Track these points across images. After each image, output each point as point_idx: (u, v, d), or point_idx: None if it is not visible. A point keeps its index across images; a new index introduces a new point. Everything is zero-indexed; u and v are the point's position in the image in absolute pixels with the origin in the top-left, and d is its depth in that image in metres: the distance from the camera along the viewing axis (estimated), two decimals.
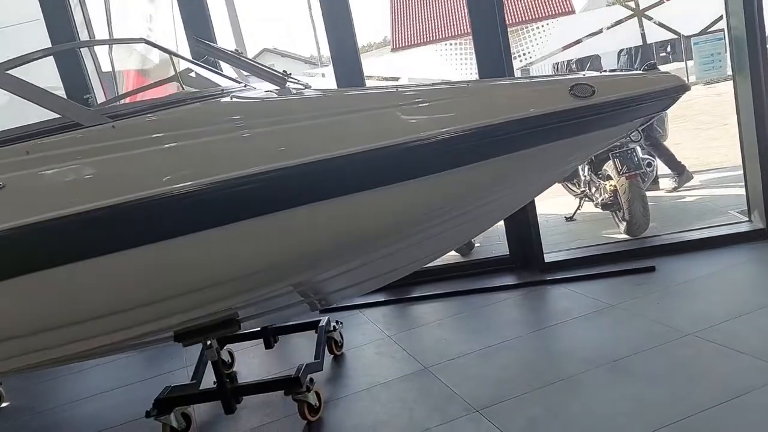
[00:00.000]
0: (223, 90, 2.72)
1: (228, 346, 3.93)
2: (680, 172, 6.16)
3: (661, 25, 4.74)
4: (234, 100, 2.63)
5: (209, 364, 3.18)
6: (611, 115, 2.71)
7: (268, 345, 3.85)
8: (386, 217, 2.64)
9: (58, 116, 2.48)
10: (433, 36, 23.40)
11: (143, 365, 4.35)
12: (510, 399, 2.93)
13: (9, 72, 2.46)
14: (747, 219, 4.65)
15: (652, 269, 4.22)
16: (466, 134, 2.48)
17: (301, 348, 4.07)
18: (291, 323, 3.89)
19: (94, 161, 2.36)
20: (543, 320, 3.90)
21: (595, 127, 2.74)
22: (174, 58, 2.94)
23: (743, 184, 4.62)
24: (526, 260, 4.70)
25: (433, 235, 3.03)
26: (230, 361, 3.91)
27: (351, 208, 2.51)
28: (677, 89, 2.88)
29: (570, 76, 2.76)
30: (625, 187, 4.88)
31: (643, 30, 4.85)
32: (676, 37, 5.04)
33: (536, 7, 24.70)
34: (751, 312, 3.31)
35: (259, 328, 3.83)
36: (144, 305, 2.66)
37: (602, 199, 5.20)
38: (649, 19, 4.74)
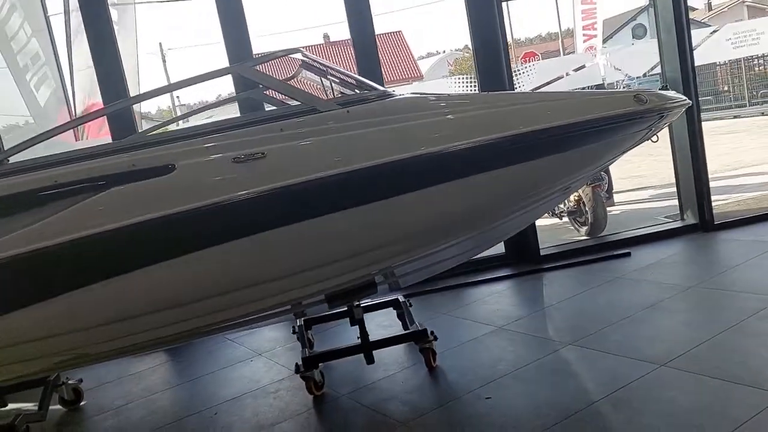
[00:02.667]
0: (391, 91, 3.45)
1: None
2: (610, 192, 7.58)
3: (615, 68, 6.13)
4: (416, 95, 3.40)
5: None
6: (658, 117, 3.77)
7: (353, 322, 4.45)
8: (504, 192, 3.44)
9: (299, 103, 3.10)
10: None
11: (174, 372, 4.76)
12: (586, 336, 3.85)
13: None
14: (680, 219, 6.02)
15: (628, 254, 5.40)
16: (576, 125, 3.37)
17: (379, 322, 4.69)
18: (372, 302, 4.52)
19: (332, 137, 3.00)
20: (562, 294, 4.88)
21: (645, 126, 3.78)
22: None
23: (656, 197, 5.97)
24: (521, 255, 5.69)
25: (515, 217, 3.91)
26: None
27: (495, 181, 3.30)
28: (686, 104, 4.05)
29: (629, 89, 3.83)
30: (590, 195, 6.09)
31: (602, 73, 6.21)
32: (625, 77, 6.43)
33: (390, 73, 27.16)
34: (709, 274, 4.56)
35: (346, 308, 4.44)
36: (316, 267, 3.24)
37: (567, 208, 6.38)
38: (610, 64, 6.13)
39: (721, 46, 5.69)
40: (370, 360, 3.76)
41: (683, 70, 5.56)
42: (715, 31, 5.76)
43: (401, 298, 4.51)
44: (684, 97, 4.02)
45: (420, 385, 3.66)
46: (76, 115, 7.66)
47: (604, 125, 3.43)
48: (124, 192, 2.82)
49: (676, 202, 6.44)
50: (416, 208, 3.17)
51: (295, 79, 3.88)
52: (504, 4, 5.47)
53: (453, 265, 4.42)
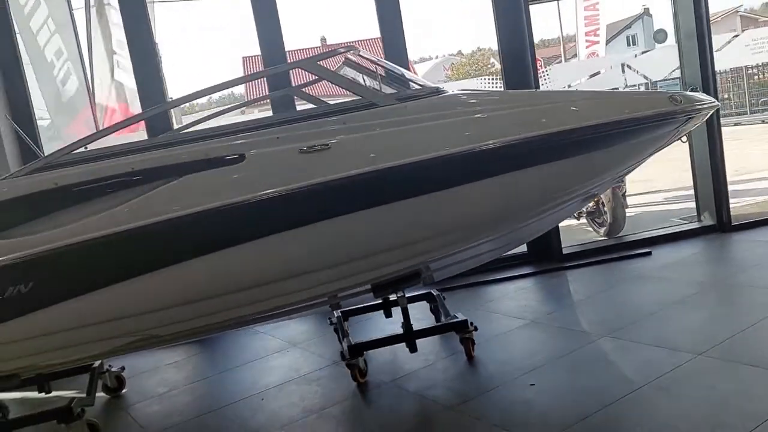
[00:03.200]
0: (442, 87, 3.59)
1: None
2: (624, 194, 7.73)
3: (637, 72, 6.30)
4: (466, 91, 3.55)
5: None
6: (688, 118, 3.93)
7: (388, 314, 4.58)
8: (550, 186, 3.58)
9: (359, 98, 3.24)
10: None
11: (211, 362, 4.88)
12: (619, 329, 3.99)
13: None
14: (697, 220, 6.19)
15: (649, 254, 5.56)
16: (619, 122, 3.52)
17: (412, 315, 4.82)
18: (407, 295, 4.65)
19: (391, 131, 3.15)
20: (589, 290, 5.03)
21: (676, 126, 3.93)
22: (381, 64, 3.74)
23: (669, 200, 6.14)
24: (542, 254, 5.84)
25: (554, 212, 4.05)
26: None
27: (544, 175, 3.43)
28: (715, 105, 4.21)
29: (665, 91, 3.99)
30: (609, 196, 6.25)
31: (624, 76, 6.38)
32: (647, 81, 6.60)
33: None
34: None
35: (380, 300, 4.57)
36: (370, 256, 3.38)
37: (587, 208, 6.53)
38: (629, 67, 6.31)
39: (742, 51, 5.87)
40: (413, 348, 3.89)
41: (704, 74, 5.73)
42: (736, 36, 5.93)
43: (435, 292, 4.64)
44: (712, 99, 4.19)
45: (462, 373, 3.80)
46: (96, 112, 7.76)
47: (644, 123, 3.58)
48: (198, 180, 2.95)
49: (688, 204, 6.61)
50: (467, 201, 3.31)
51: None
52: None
53: (485, 261, 4.55)
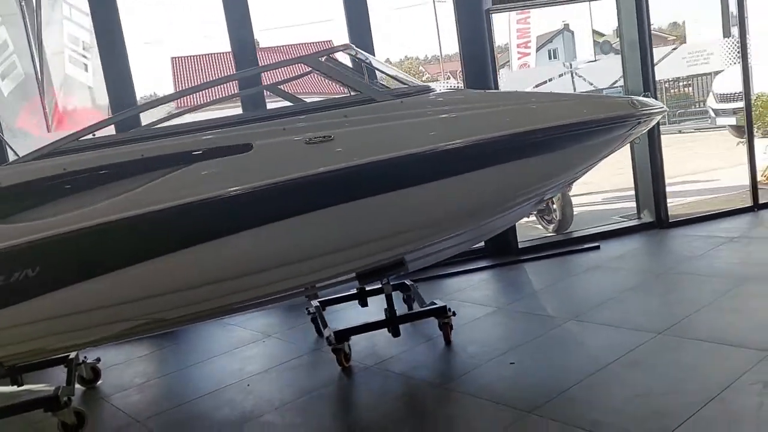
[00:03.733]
0: (432, 86, 3.82)
1: None
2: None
3: (584, 79, 6.73)
4: (454, 90, 3.77)
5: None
6: (645, 120, 4.30)
7: (364, 304, 4.75)
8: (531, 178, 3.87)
9: (357, 93, 3.41)
10: None
11: (185, 354, 4.95)
12: (582, 313, 4.32)
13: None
14: (637, 217, 6.67)
15: (598, 247, 5.96)
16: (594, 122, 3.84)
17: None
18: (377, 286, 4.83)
19: (386, 125, 3.34)
20: (548, 280, 5.37)
21: (632, 127, 4.29)
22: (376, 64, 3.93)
23: (607, 201, 6.60)
24: (500, 248, 6.15)
25: (522, 206, 4.34)
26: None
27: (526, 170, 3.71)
28: (665, 111, 4.61)
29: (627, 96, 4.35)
30: (558, 194, 6.63)
31: (573, 84, 6.79)
32: (594, 88, 7.04)
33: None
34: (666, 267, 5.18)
35: (355, 291, 4.74)
36: (364, 243, 3.56)
37: None
38: (578, 75, 6.72)
39: (678, 63, 6.39)
40: (396, 333, 4.08)
41: (645, 83, 6.20)
42: (675, 49, 6.44)
43: (408, 282, 4.85)
44: (662, 104, 4.60)
45: (443, 356, 4.03)
46: (46, 108, 7.55)
47: (609, 124, 3.92)
48: (206, 167, 3.05)
49: (624, 204, 7.09)
50: (455, 192, 3.54)
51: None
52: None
53: (455, 253, 4.80)
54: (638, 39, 6.17)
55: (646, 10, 6.10)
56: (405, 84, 3.71)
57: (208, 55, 27.12)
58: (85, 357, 4.33)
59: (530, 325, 4.32)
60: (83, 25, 7.84)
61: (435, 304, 4.27)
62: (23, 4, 7.44)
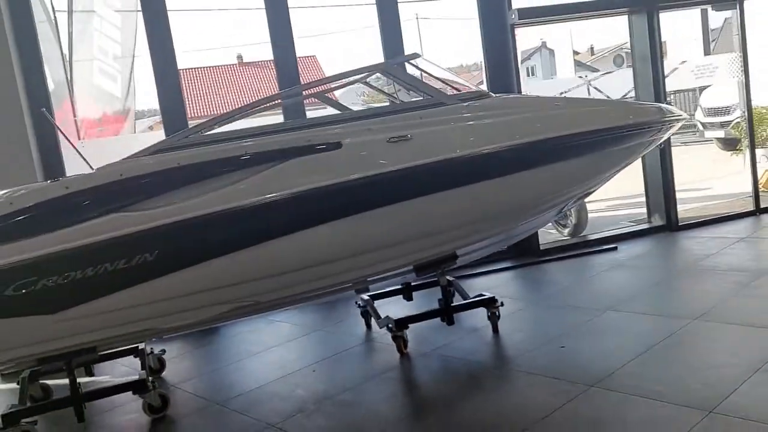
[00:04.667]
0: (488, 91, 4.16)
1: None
2: None
3: (600, 91, 7.15)
4: (509, 96, 4.13)
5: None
6: (671, 126, 4.67)
7: (409, 298, 5.05)
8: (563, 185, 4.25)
9: (429, 97, 3.75)
10: None
11: (239, 347, 5.22)
12: (618, 304, 4.67)
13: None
14: (648, 221, 7.07)
15: (615, 248, 6.35)
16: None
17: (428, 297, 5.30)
18: (423, 281, 5.13)
19: (457, 126, 3.68)
20: (577, 277, 5.73)
21: (662, 133, 4.66)
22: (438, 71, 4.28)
23: (615, 207, 6.99)
24: (522, 250, 6.49)
25: (556, 207, 4.69)
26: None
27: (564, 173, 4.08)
28: (685, 117, 5.01)
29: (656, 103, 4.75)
30: None
31: (589, 93, 7.20)
32: (608, 98, 7.46)
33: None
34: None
35: (400, 286, 5.04)
36: (421, 238, 3.89)
37: None
38: (595, 87, 7.14)
39: (686, 76, 6.84)
40: (450, 321, 4.39)
41: (657, 94, 6.62)
42: (684, 62, 6.91)
43: (449, 278, 5.16)
44: (683, 112, 5.00)
45: (494, 343, 4.35)
46: (76, 116, 7.77)
47: (645, 128, 4.31)
48: (302, 163, 3.36)
49: (630, 210, 7.50)
50: (511, 189, 3.89)
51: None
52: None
53: (493, 252, 5.13)
54: (650, 54, 6.60)
55: (657, 26, 6.54)
56: (466, 89, 4.06)
57: (216, 67, 28.82)
58: (152, 348, 4.57)
59: (569, 316, 4.66)
60: (113, 38, 8.13)
61: (483, 295, 4.59)
62: (56, 16, 7.70)
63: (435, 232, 3.79)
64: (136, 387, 3.82)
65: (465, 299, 4.77)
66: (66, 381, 4.24)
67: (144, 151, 3.35)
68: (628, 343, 3.95)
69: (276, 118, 5.47)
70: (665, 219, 6.85)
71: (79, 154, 4.32)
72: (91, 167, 4.18)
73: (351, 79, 4.11)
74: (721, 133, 13.01)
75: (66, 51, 7.58)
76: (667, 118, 4.55)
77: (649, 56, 6.63)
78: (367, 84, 4.74)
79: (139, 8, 5.81)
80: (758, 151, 8.87)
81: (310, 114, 5.61)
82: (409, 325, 4.37)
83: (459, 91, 4.08)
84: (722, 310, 4.27)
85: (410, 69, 3.95)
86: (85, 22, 7.79)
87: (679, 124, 4.96)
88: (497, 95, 4.07)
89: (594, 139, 3.89)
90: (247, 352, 4.87)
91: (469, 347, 4.32)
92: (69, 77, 7.65)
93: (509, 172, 3.72)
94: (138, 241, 3.12)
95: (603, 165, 4.12)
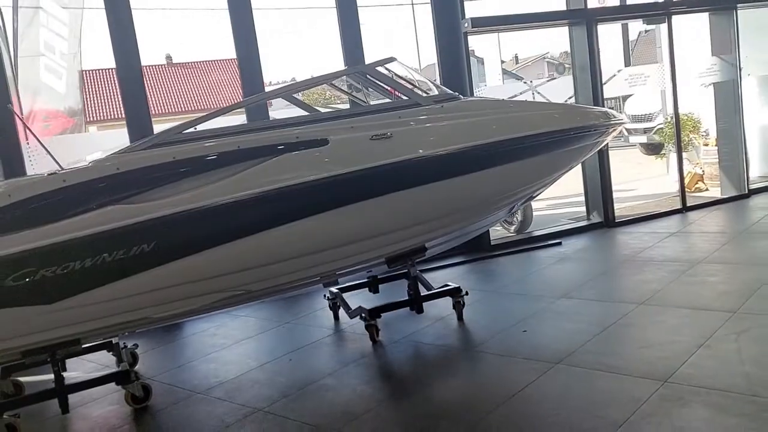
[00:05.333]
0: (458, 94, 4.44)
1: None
2: None
3: (543, 97, 7.59)
4: (478, 98, 4.42)
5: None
6: (614, 129, 5.09)
7: (375, 290, 5.28)
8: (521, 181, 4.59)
9: (406, 98, 3.99)
10: None
11: (215, 339, 5.35)
12: (570, 292, 5.06)
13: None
14: (586, 218, 7.57)
15: (560, 243, 6.79)
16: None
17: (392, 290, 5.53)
18: (389, 274, 5.37)
19: (433, 125, 3.95)
20: (529, 269, 6.11)
21: (607, 134, 5.08)
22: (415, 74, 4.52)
23: (553, 206, 7.51)
24: (474, 246, 6.83)
25: (508, 206, 5.02)
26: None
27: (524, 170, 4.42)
28: (626, 121, 5.47)
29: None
30: None
31: (534, 99, 7.63)
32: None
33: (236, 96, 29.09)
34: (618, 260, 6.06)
35: (367, 279, 5.27)
36: (387, 233, 4.13)
37: None
38: (539, 93, 7.58)
39: (621, 84, 7.38)
40: (420, 310, 4.65)
41: (595, 100, 7.12)
42: (620, 71, 7.43)
43: (413, 272, 5.43)
44: (624, 116, 5.46)
45: (460, 329, 4.64)
46: (20, 110, 7.60)
47: (595, 130, 4.71)
48: (289, 158, 3.54)
49: (567, 210, 7.98)
50: (479, 185, 4.19)
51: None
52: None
53: (447, 248, 5.41)
54: (589, 63, 7.09)
55: (596, 38, 7.03)
56: (439, 91, 4.33)
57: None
58: (125, 343, 4.62)
59: (526, 304, 5.00)
60: (60, 34, 8.00)
61: (448, 286, 4.88)
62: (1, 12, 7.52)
63: (411, 224, 4.04)
64: (119, 378, 3.89)
65: (429, 290, 5.05)
66: (36, 378, 4.31)
67: (139, 145, 3.45)
68: (584, 326, 4.32)
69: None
70: (603, 216, 7.36)
71: (47, 150, 4.35)
72: (58, 164, 4.24)
73: (326, 78, 4.30)
74: (644, 139, 13.90)
75: (11, 47, 7.42)
76: (612, 122, 4.97)
77: (588, 65, 7.12)
78: (333, 86, 4.98)
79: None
80: (682, 154, 9.64)
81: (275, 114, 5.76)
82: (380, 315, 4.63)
83: (431, 93, 4.35)
84: (664, 295, 4.71)
85: (385, 71, 4.18)
86: (30, 17, 7.63)
87: (621, 128, 5.41)
88: (465, 98, 4.37)
89: (554, 139, 4.24)
90: (219, 345, 4.97)
91: (437, 334, 4.59)
92: (14, 73, 7.49)
93: (480, 168, 4.01)
94: (136, 232, 3.22)
95: (560, 163, 4.48)
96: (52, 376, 3.74)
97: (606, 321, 4.32)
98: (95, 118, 25.03)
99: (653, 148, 14.36)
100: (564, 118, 4.44)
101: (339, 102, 7.24)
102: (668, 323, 4.18)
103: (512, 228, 7.69)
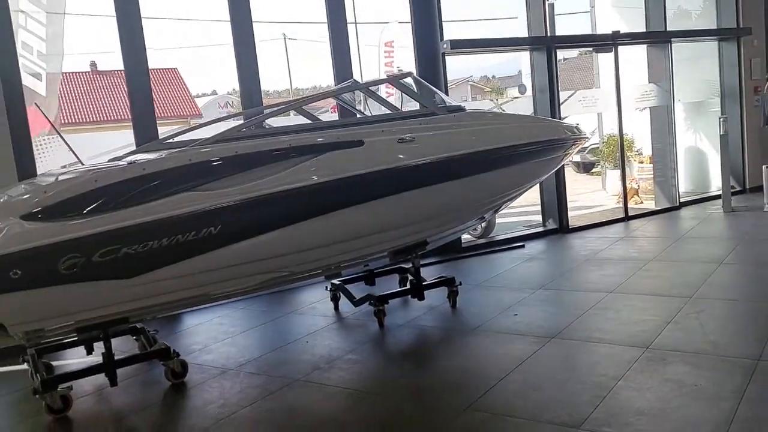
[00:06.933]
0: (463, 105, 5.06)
1: None
2: None
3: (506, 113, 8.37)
4: (480, 110, 5.05)
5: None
6: (579, 143, 5.85)
7: (372, 283, 5.79)
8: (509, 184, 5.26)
9: (420, 108, 4.57)
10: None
11: (229, 325, 5.75)
12: (547, 284, 5.75)
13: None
14: (543, 225, 8.34)
15: (523, 246, 7.51)
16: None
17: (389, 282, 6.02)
18: (386, 268, 5.88)
19: (448, 132, 4.54)
20: (503, 267, 6.77)
21: (572, 148, 5.83)
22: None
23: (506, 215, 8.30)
24: (445, 247, 7.44)
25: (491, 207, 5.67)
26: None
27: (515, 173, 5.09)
28: (589, 137, 6.26)
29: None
30: None
31: None
32: None
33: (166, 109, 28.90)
34: (577, 261, 6.85)
35: (363, 273, 5.78)
36: (405, 225, 4.71)
37: None
38: (502, 110, 8.34)
39: (575, 106, 8.24)
40: (421, 297, 5.20)
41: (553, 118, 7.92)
42: (572, 94, 8.30)
43: (406, 266, 5.98)
44: (587, 132, 6.24)
45: (457, 315, 5.21)
46: None
47: (569, 141, 5.44)
48: (333, 156, 4.05)
49: (523, 217, 8.77)
50: (481, 186, 4.81)
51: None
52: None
53: (439, 245, 5.99)
54: (548, 85, 7.90)
55: (555, 62, 7.85)
56: (448, 102, 4.95)
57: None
58: (145, 327, 4.93)
59: (509, 294, 5.63)
60: (39, 35, 8.12)
61: (443, 277, 5.46)
62: None
63: (426, 218, 4.61)
64: (161, 354, 4.23)
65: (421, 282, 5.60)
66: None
67: (208, 140, 3.86)
68: (567, 309, 5.00)
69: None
70: (558, 223, 8.15)
71: (69, 147, 4.68)
72: (79, 159, 4.59)
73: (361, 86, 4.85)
74: (578, 158, 15.03)
75: None
76: (582, 135, 5.73)
77: (547, 87, 7.93)
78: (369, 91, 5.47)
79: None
80: (617, 171, 10.67)
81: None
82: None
83: (443, 104, 4.95)
84: (627, 285, 5.47)
85: (410, 83, 4.76)
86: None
87: (585, 142, 6.19)
88: (469, 110, 5.00)
89: (550, 147, 4.93)
90: (230, 332, 5.33)
91: (436, 319, 5.15)
92: None
93: (487, 170, 4.64)
94: (205, 217, 3.63)
95: (546, 168, 5.18)
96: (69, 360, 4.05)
97: (584, 306, 5.00)
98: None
99: (585, 167, 15.56)
100: (554, 128, 5.16)
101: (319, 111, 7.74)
102: (637, 306, 4.92)
103: (476, 233, 8.36)
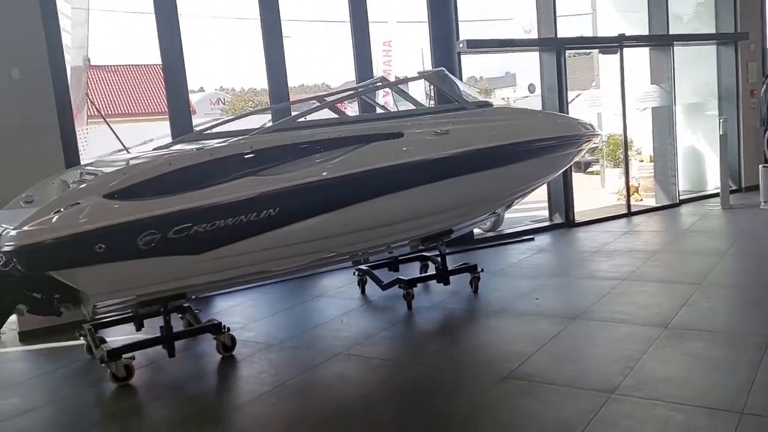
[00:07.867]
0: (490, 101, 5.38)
1: None
2: None
3: None
4: (505, 106, 5.37)
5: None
6: (592, 139, 6.20)
7: (395, 269, 6.09)
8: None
9: (453, 103, 4.88)
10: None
11: (266, 305, 6.05)
12: (560, 272, 6.08)
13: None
14: (550, 220, 8.69)
15: (533, 239, 7.85)
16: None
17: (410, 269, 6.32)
18: (408, 255, 6.19)
19: (477, 125, 4.86)
20: (516, 258, 7.10)
21: (587, 143, 6.17)
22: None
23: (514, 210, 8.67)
24: (457, 239, 7.76)
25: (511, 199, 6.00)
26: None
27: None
28: (600, 133, 6.62)
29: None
30: None
31: None
32: None
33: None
34: (584, 251, 7.21)
35: (388, 259, 6.08)
36: (439, 212, 5.02)
37: None
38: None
39: (582, 105, 8.60)
40: (447, 282, 5.52)
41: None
42: (579, 95, 8.66)
43: (428, 253, 6.29)
44: (599, 130, 6.60)
45: (480, 299, 5.53)
46: None
47: (586, 136, 5.78)
48: (377, 146, 4.36)
49: (529, 213, 9.14)
50: (507, 177, 5.14)
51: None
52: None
53: (460, 234, 6.31)
54: (557, 84, 8.24)
55: (564, 63, 8.19)
56: (476, 98, 5.27)
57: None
58: (191, 306, 5.20)
59: (526, 282, 5.96)
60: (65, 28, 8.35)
61: (467, 263, 5.77)
62: None
63: (454, 207, 4.93)
64: (213, 329, 4.52)
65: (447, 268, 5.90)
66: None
67: (266, 129, 4.17)
68: (584, 294, 5.34)
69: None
70: (564, 217, 8.50)
71: (116, 135, 4.95)
72: (126, 149, 4.86)
73: (402, 81, 5.15)
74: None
75: None
76: (596, 132, 6.08)
77: (556, 86, 8.27)
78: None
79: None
80: (616, 170, 11.06)
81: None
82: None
83: (473, 99, 5.26)
84: (639, 274, 5.82)
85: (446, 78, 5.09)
86: None
87: (597, 139, 6.54)
88: (494, 105, 5.33)
89: (565, 142, 5.27)
90: (264, 314, 5.61)
91: (461, 302, 5.47)
92: None
93: (515, 162, 4.97)
94: (266, 199, 3.92)
95: (561, 163, 5.55)
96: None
97: (600, 291, 5.34)
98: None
99: (581, 166, 15.97)
100: (575, 124, 5.50)
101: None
102: (651, 292, 5.27)
103: (485, 226, 8.69)
